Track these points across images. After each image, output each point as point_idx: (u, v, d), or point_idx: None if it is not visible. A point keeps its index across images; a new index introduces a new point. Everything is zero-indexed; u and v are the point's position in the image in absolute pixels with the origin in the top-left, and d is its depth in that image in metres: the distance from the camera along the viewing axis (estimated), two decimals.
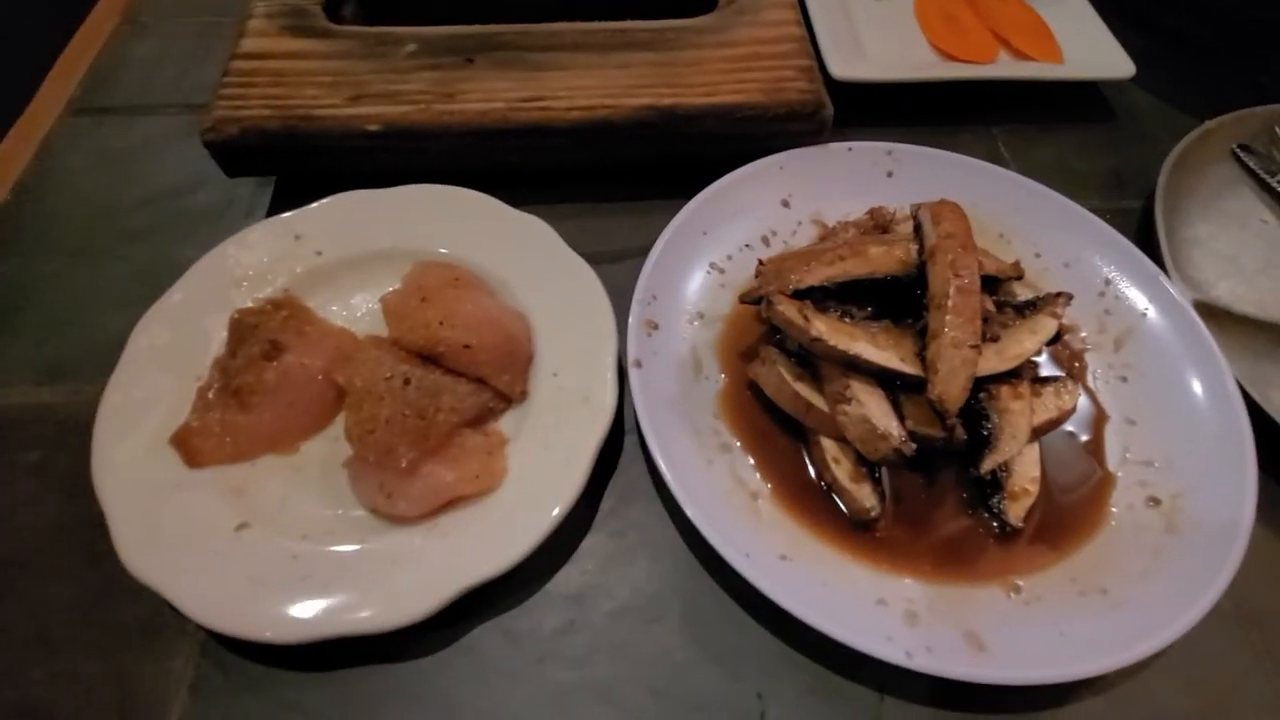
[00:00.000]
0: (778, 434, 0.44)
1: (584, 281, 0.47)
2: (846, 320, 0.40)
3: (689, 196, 0.51)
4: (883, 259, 0.42)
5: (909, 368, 0.38)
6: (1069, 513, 0.41)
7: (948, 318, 0.37)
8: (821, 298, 0.41)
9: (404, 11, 0.57)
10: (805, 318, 0.38)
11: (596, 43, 0.55)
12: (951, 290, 0.38)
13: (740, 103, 0.52)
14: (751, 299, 0.42)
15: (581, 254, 0.48)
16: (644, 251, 0.49)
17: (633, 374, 0.43)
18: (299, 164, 0.52)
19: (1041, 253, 0.52)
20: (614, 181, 0.57)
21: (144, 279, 0.51)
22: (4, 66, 0.64)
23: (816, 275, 0.41)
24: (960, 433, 0.38)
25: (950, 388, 0.36)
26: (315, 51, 0.53)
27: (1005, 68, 0.63)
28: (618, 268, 0.50)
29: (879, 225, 0.49)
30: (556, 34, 0.55)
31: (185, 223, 0.55)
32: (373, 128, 0.50)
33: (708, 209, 0.51)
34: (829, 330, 0.38)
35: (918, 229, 0.44)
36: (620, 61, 0.54)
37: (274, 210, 0.55)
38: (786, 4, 0.59)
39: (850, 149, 0.55)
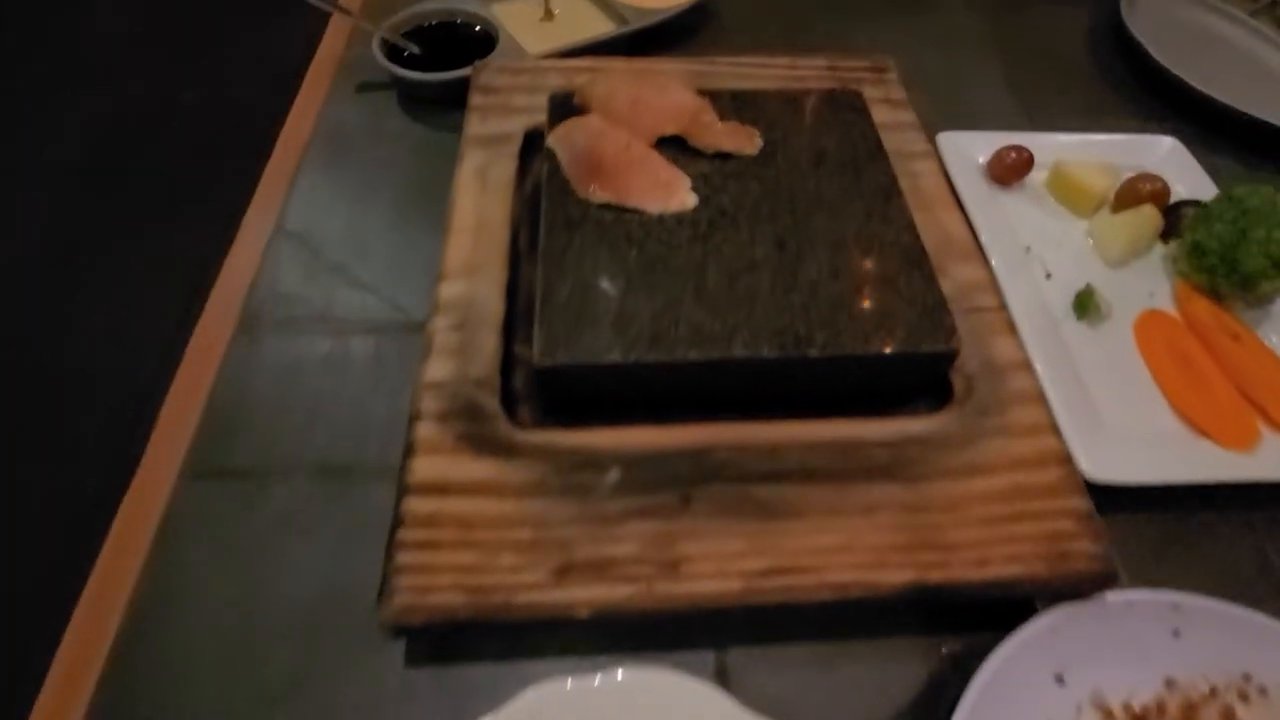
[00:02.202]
0: None
1: None
2: None
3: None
4: None
5: None
6: None
7: None
8: None
9: (586, 406, 0.49)
10: None
11: (828, 469, 0.46)
12: None
13: (1018, 577, 0.44)
14: None
15: None
16: None
17: None
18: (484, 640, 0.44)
19: None
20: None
21: None
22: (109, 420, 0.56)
23: None
24: None
25: None
26: (504, 485, 0.45)
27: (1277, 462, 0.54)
28: None
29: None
30: (779, 456, 0.47)
31: (331, 664, 0.46)
32: (584, 615, 0.41)
33: (975, 698, 0.42)
34: None
35: None
36: (863, 502, 0.45)
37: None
38: (1031, 395, 0.51)
39: (1130, 604, 0.46)
